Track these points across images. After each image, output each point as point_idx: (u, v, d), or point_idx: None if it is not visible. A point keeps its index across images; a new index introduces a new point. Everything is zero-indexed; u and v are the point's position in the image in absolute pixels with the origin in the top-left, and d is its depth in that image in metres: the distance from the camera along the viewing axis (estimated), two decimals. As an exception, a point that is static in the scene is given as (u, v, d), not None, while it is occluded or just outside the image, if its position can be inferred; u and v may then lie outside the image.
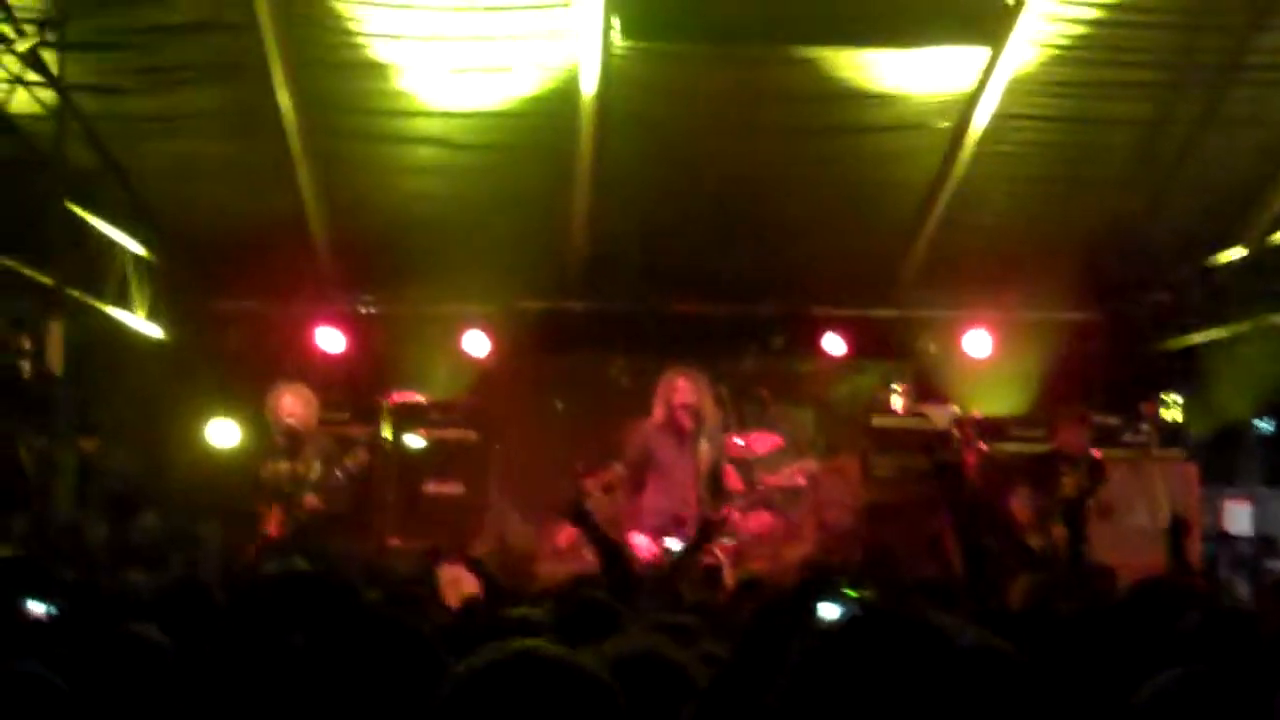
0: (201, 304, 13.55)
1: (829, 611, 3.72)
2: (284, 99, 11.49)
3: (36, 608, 4.17)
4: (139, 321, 12.74)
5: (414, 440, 12.89)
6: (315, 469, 10.92)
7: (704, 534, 6.98)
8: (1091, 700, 4.23)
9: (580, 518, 8.03)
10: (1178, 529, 8.45)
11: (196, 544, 12.23)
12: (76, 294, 11.34)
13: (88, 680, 3.86)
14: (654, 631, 4.56)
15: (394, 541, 12.46)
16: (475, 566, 7.55)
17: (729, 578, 10.25)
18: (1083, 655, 4.47)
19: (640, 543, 10.40)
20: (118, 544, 12.00)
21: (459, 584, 8.38)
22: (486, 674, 2.37)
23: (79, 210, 11.35)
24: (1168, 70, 11.83)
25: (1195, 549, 12.44)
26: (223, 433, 11.96)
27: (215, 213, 12.59)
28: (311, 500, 10.74)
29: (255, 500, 11.03)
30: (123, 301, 12.51)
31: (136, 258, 12.68)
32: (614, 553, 7.71)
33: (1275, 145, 12.60)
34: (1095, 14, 11.18)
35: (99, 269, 12.07)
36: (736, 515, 11.40)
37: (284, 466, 10.95)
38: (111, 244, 12.27)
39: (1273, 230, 12.88)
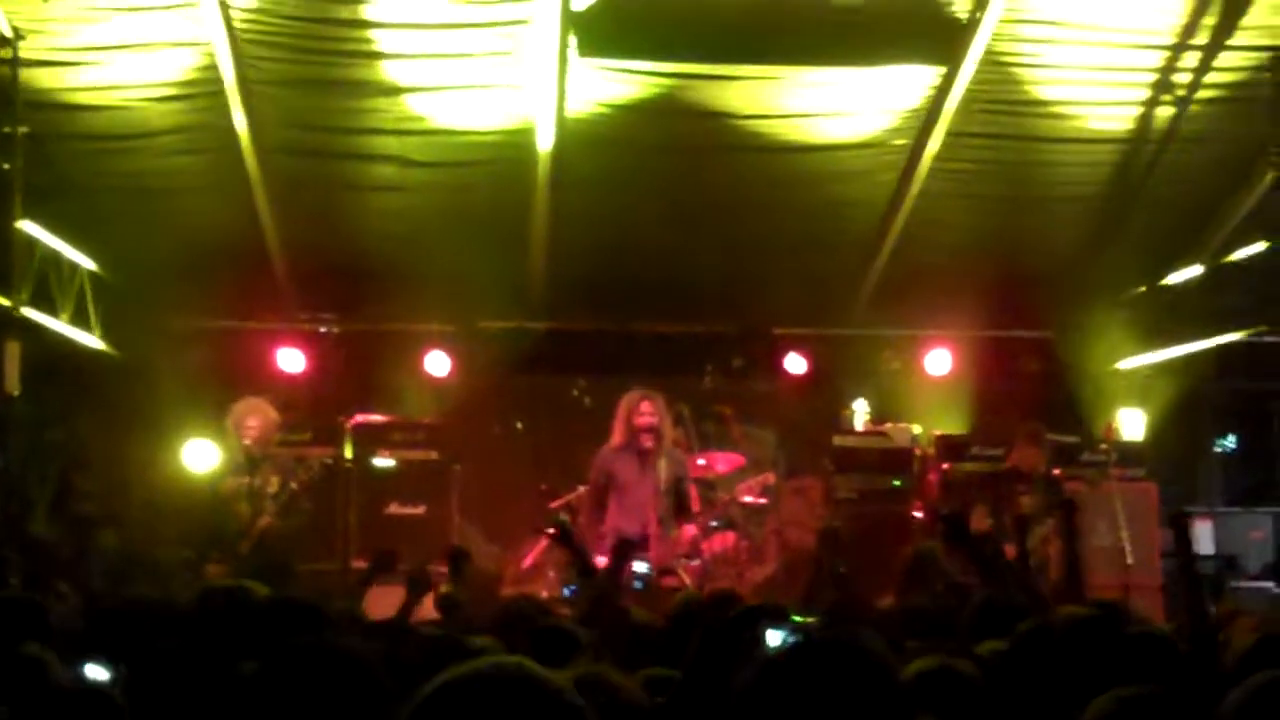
0: (160, 323, 13.46)
1: (774, 639, 3.71)
2: (240, 117, 11.46)
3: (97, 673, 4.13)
4: (96, 341, 12.67)
5: (376, 461, 12.84)
6: (273, 484, 10.85)
7: (620, 554, 6.97)
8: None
9: (564, 535, 8.04)
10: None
11: (156, 565, 12.14)
12: (33, 314, 11.27)
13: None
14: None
15: (357, 563, 12.39)
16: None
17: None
18: (1035, 675, 4.49)
19: (603, 564, 10.37)
20: (79, 565, 11.92)
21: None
22: (452, 691, 2.33)
23: (35, 228, 11.28)
24: (1123, 88, 11.92)
25: (1156, 569, 12.48)
26: (199, 454, 11.79)
27: (172, 231, 12.53)
28: (265, 518, 10.67)
29: (215, 518, 10.95)
30: (80, 321, 12.44)
31: (93, 276, 12.61)
32: (591, 569, 7.69)
33: (1231, 162, 12.69)
34: (1049, 33, 11.26)
35: (56, 288, 12.00)
36: (696, 534, 11.39)
37: (243, 482, 10.89)
38: (68, 263, 12.20)
39: (1229, 247, 12.96)
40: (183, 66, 11.19)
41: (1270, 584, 12.43)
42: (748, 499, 12.89)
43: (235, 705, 3.39)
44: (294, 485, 10.81)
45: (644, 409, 10.84)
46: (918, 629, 5.71)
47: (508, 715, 2.29)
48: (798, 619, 4.96)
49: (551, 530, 8.57)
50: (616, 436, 10.93)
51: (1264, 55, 11.46)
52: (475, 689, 2.32)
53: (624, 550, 7.09)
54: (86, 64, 11.10)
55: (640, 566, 10.36)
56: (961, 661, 4.33)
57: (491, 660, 2.40)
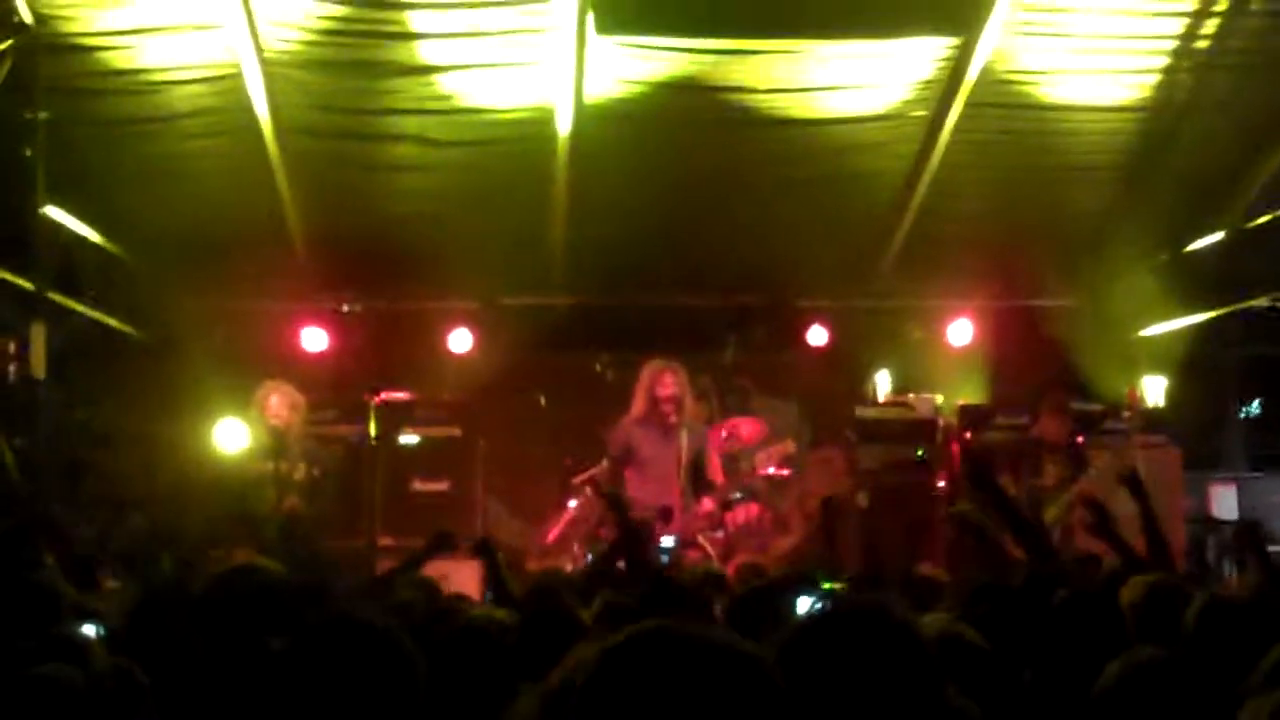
0: (183, 305, 13.52)
1: (804, 606, 3.75)
2: (260, 99, 11.50)
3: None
4: (121, 324, 12.74)
5: (400, 438, 12.89)
6: (300, 470, 10.90)
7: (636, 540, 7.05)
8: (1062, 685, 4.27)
9: (614, 504, 8.13)
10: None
11: (182, 547, 12.20)
12: (58, 297, 11.33)
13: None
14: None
15: (385, 540, 12.44)
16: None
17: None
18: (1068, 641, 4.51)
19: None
20: (105, 546, 11.98)
21: (448, 581, 8.42)
22: (633, 649, 2.28)
23: (59, 213, 11.34)
24: (1143, 56, 11.88)
25: (1179, 535, 12.48)
26: (230, 434, 11.77)
27: (195, 214, 12.57)
28: (291, 500, 10.72)
29: (241, 502, 11.00)
30: (104, 304, 12.50)
31: (117, 259, 12.67)
32: (637, 539, 7.72)
33: (1253, 130, 12.65)
34: (1067, 1, 11.22)
35: (80, 272, 12.06)
36: (718, 507, 11.41)
37: (269, 467, 10.94)
38: (92, 247, 12.26)
39: (1251, 214, 12.93)
40: (203, 49, 11.22)
41: (1294, 549, 12.39)
42: (770, 470, 12.92)
43: (264, 682, 3.43)
44: (316, 472, 10.86)
45: (666, 380, 10.84)
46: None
47: (703, 680, 2.23)
48: (828, 586, 5.02)
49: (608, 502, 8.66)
50: (638, 408, 10.94)
51: (1281, 18, 11.41)
52: (679, 648, 2.26)
53: (638, 536, 7.14)
54: (107, 48, 11.13)
55: (666, 540, 10.40)
56: (966, 627, 4.35)
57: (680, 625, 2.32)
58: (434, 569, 8.33)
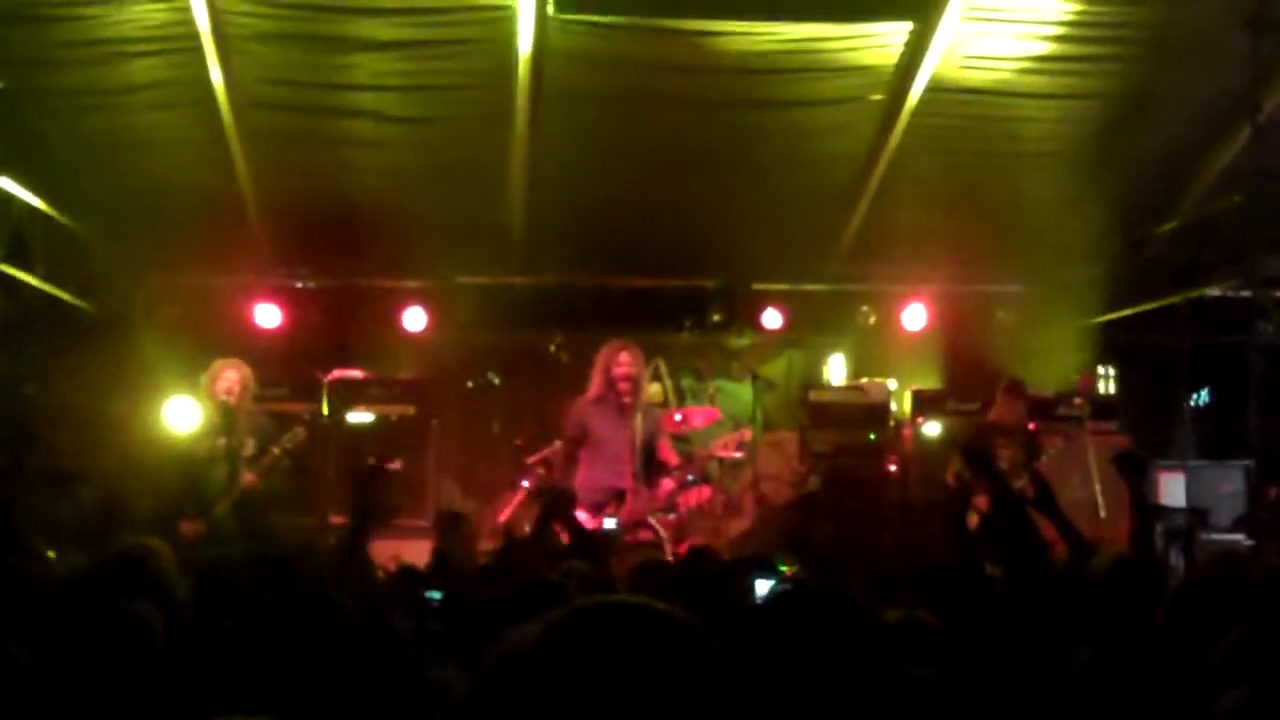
0: (136, 280, 13.45)
1: (763, 588, 3.77)
2: (216, 72, 11.42)
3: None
4: (72, 297, 12.64)
5: (353, 416, 12.85)
6: (249, 446, 10.85)
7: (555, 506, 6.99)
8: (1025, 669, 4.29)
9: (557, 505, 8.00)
10: None
11: (132, 523, 12.13)
12: (8, 269, 11.24)
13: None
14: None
15: (337, 519, 12.40)
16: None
17: (668, 553, 10.28)
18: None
19: (580, 518, 10.40)
20: (53, 520, 11.90)
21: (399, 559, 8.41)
22: (581, 619, 2.35)
23: (11, 184, 11.25)
24: (1100, 45, 11.93)
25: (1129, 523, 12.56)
26: (180, 412, 11.71)
27: (149, 187, 12.49)
28: (249, 477, 10.69)
29: (191, 478, 10.94)
30: (57, 277, 12.40)
31: (69, 232, 12.57)
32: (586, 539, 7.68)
33: (1206, 120, 12.72)
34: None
35: (32, 245, 11.97)
36: (672, 489, 11.39)
37: (220, 443, 10.89)
38: (44, 218, 12.17)
39: (1203, 204, 13.01)
40: (159, 22, 11.13)
41: (1240, 536, 12.50)
42: (723, 453, 12.94)
43: (217, 658, 3.42)
44: (276, 450, 10.81)
45: (622, 359, 10.80)
46: None
47: (632, 642, 2.31)
48: (785, 569, 5.04)
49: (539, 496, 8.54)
50: (594, 388, 10.91)
51: (1242, 9, 11.45)
52: (601, 617, 2.34)
53: (558, 501, 7.10)
54: (63, 19, 11.04)
55: (609, 523, 10.37)
56: (924, 613, 4.37)
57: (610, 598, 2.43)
58: (388, 548, 8.33)
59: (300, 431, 11.15)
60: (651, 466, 11.03)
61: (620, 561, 8.20)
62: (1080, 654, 3.28)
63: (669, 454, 11.68)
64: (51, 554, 8.95)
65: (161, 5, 10.97)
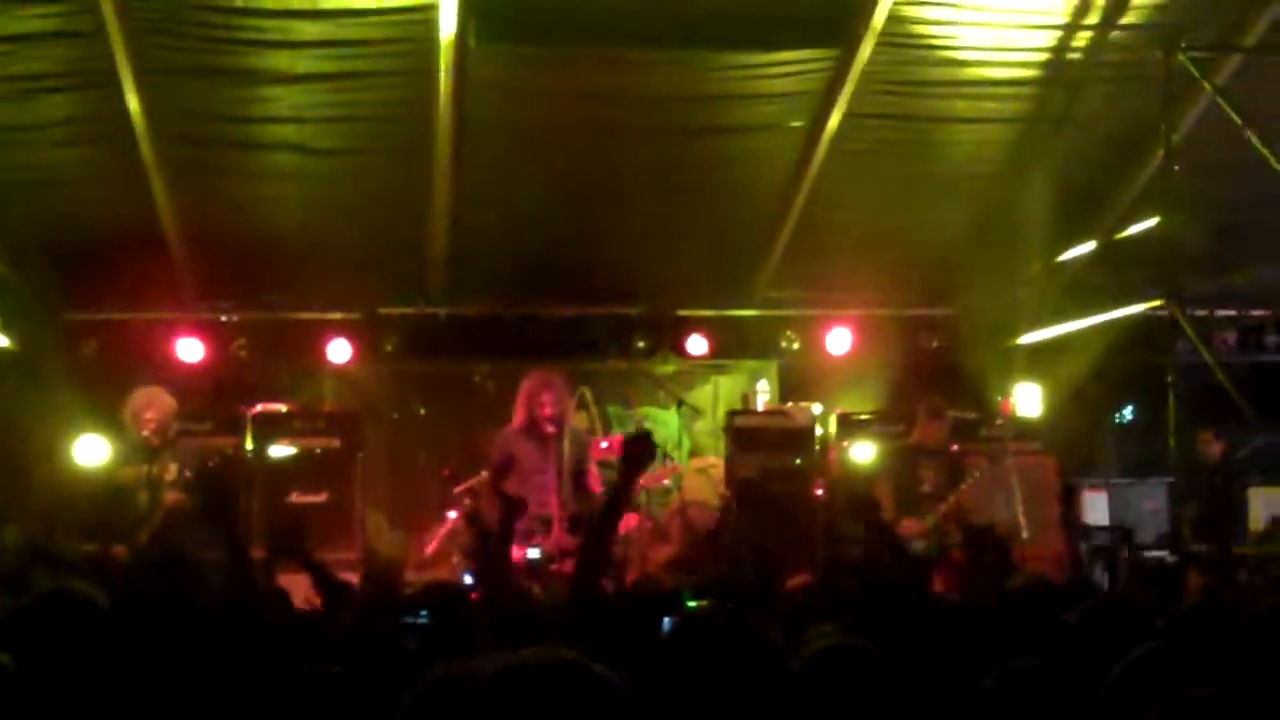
0: (55, 315, 13.33)
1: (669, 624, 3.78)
2: (134, 106, 11.34)
3: None
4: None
5: (277, 450, 12.77)
6: (171, 470, 10.77)
7: (509, 513, 6.95)
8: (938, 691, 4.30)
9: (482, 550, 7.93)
10: None
11: (58, 560, 12.00)
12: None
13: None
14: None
15: (258, 553, 12.29)
16: (314, 570, 7.34)
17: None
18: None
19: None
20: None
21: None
22: (508, 681, 2.36)
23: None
24: (1017, 69, 12.06)
25: (1057, 542, 12.70)
26: (90, 449, 11.67)
27: (67, 222, 12.41)
28: (173, 496, 10.58)
29: (113, 509, 10.84)
30: (-27, 314, 12.28)
31: (-13, 269, 12.46)
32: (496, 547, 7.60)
33: (1124, 142, 12.87)
34: (943, 14, 11.37)
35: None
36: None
37: (142, 471, 10.80)
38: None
39: (1123, 225, 13.14)
40: (75, 57, 11.05)
41: (1164, 553, 12.60)
42: (652, 484, 12.94)
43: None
44: (189, 473, 10.73)
45: (545, 400, 10.74)
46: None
47: (561, 704, 2.32)
48: (692, 604, 5.03)
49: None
50: (518, 418, 10.90)
51: (1155, 34, 11.61)
52: (529, 678, 2.34)
53: (511, 509, 7.07)
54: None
55: (532, 553, 10.33)
56: (858, 638, 4.37)
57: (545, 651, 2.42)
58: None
59: (217, 455, 11.08)
60: (579, 493, 11.01)
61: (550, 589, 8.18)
62: (988, 679, 3.30)
63: (595, 482, 11.65)
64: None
65: (77, 40, 10.89)
